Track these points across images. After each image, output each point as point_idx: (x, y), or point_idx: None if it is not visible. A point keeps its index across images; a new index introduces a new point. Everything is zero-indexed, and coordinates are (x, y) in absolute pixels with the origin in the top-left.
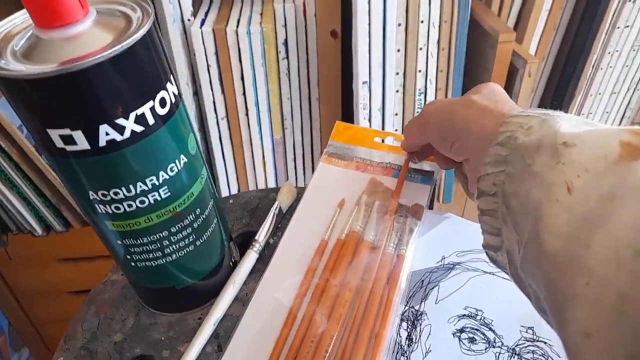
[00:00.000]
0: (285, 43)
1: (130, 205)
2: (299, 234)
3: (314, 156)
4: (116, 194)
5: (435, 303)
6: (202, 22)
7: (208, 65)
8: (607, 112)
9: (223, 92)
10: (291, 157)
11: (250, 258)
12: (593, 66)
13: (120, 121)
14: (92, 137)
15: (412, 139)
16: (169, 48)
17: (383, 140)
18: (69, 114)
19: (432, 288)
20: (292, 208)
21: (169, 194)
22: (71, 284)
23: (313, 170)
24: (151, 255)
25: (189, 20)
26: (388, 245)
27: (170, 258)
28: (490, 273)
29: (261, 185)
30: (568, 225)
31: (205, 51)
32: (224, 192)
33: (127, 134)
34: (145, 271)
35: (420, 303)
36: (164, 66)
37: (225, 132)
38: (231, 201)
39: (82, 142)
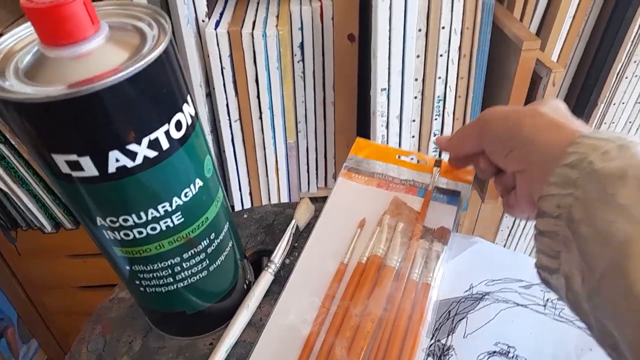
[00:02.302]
0: (301, 46)
1: (140, 232)
2: (317, 255)
3: (327, 161)
4: (126, 220)
5: (464, 337)
6: (217, 24)
7: (222, 67)
8: (630, 122)
9: (237, 94)
10: (304, 161)
11: (265, 280)
12: (617, 75)
13: (132, 147)
14: (101, 163)
15: (465, 142)
16: (182, 49)
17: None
18: (77, 140)
19: (460, 320)
20: (309, 225)
21: (182, 219)
22: (80, 278)
23: (326, 176)
24: (162, 282)
25: (203, 21)
26: (413, 272)
27: (181, 284)
28: (522, 305)
29: (273, 190)
30: None
31: (219, 53)
32: (236, 196)
33: (139, 159)
34: (154, 296)
35: (448, 336)
36: (181, 86)
37: (238, 135)
38: (245, 216)
39: (89, 169)
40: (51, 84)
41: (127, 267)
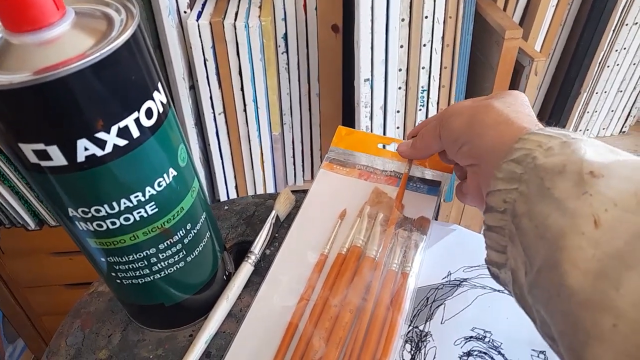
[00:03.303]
0: (285, 37)
1: (113, 223)
2: (298, 247)
3: (313, 153)
4: (98, 211)
5: (441, 323)
6: (199, 15)
7: (205, 60)
8: (612, 111)
9: (220, 87)
10: (290, 154)
11: (245, 271)
12: (599, 64)
13: (101, 135)
14: (70, 152)
15: (429, 144)
16: (164, 41)
17: (384, 147)
18: (43, 128)
19: (438, 306)
20: (290, 216)
21: (156, 210)
22: (66, 276)
23: (312, 168)
24: (138, 273)
25: (185, 12)
26: (392, 262)
27: (158, 275)
28: (499, 291)
29: (259, 183)
30: (595, 262)
31: (202, 45)
32: (222, 190)
33: (108, 148)
34: (131, 288)
35: (425, 323)
36: (151, 73)
37: (222, 128)
38: (226, 207)
39: (58, 158)
40: (16, 71)
41: (102, 259)
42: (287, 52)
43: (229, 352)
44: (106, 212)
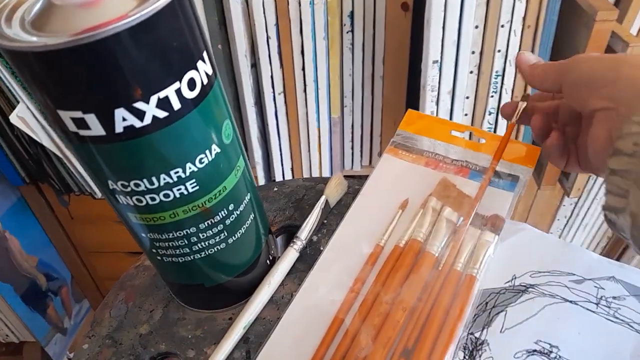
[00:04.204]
0: (351, 15)
1: (153, 199)
2: (352, 235)
3: (373, 139)
4: (137, 185)
5: (501, 332)
6: None
7: (268, 37)
8: None
9: (282, 65)
10: (349, 138)
11: (290, 257)
12: None
13: (140, 105)
14: (107, 122)
15: (548, 75)
16: (229, 18)
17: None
18: (80, 95)
19: (498, 313)
20: (341, 202)
21: (197, 187)
22: (128, 244)
23: (371, 154)
24: (178, 252)
25: None
26: (457, 261)
27: (198, 255)
28: (571, 302)
29: (315, 166)
30: None
31: (265, 22)
32: (277, 170)
33: (147, 119)
34: (171, 266)
35: (482, 330)
36: (197, 40)
37: (281, 108)
38: (275, 189)
39: (96, 127)
40: (56, 33)
41: (144, 235)
42: (352, 31)
43: (269, 340)
44: (145, 187)
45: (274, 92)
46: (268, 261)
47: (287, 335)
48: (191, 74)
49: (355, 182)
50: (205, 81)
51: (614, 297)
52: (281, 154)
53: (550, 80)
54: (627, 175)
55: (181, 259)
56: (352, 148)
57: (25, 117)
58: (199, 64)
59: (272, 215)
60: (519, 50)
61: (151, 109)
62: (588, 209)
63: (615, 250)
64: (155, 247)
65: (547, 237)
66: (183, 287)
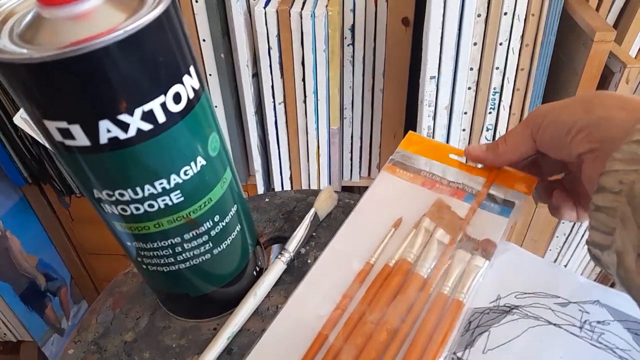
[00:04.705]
0: (352, 29)
1: (137, 209)
2: (344, 251)
3: (372, 150)
4: (122, 195)
5: (483, 352)
6: (267, 2)
7: (269, 48)
8: None
9: (282, 76)
10: (348, 149)
11: (277, 268)
12: None
13: (124, 117)
14: (92, 133)
15: (519, 145)
16: (231, 27)
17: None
18: (66, 106)
19: (481, 333)
20: (331, 215)
21: (182, 199)
22: None
23: (370, 165)
24: (163, 261)
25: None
26: (444, 284)
27: (183, 265)
28: (555, 325)
29: (314, 176)
30: None
31: (267, 33)
32: (277, 179)
33: (132, 131)
34: (157, 275)
35: (465, 350)
36: (184, 55)
37: (281, 117)
38: (267, 200)
39: (80, 138)
40: (44, 46)
41: (129, 243)
42: (353, 44)
43: (252, 352)
44: (130, 197)
45: (274, 101)
46: (255, 272)
47: (271, 348)
48: (177, 88)
49: (346, 196)
50: (192, 95)
51: (598, 322)
52: (280, 163)
53: (521, 147)
54: (612, 213)
55: (166, 269)
56: (351, 159)
57: (29, 118)
58: (185, 78)
59: (262, 225)
60: (517, 68)
61: (135, 122)
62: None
63: None
64: (141, 256)
65: (534, 258)
66: (169, 295)
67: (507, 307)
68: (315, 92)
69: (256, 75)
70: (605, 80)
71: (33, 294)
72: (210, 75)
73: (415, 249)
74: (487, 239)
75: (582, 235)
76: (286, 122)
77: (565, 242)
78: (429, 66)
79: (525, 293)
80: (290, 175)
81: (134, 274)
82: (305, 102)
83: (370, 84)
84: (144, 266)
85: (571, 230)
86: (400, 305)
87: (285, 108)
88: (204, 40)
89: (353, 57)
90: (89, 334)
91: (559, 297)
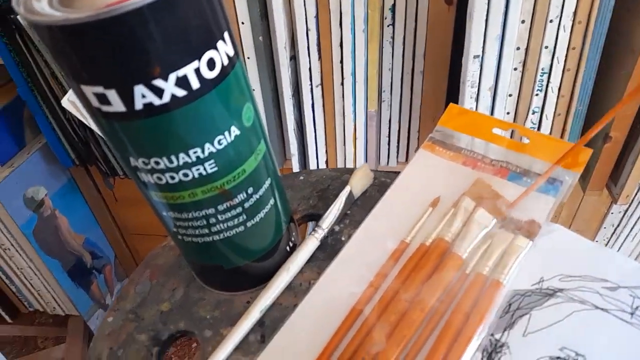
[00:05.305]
0: (393, 9)
1: (172, 177)
2: (378, 229)
3: (410, 134)
4: (157, 163)
5: (523, 335)
6: None
7: (307, 29)
8: None
9: (320, 58)
10: (385, 133)
11: (310, 245)
12: None
13: (158, 82)
14: (127, 98)
15: None
16: (270, 9)
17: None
18: (101, 70)
19: (522, 316)
20: (366, 194)
21: (216, 169)
22: None
23: (408, 150)
24: (197, 232)
25: None
26: (483, 265)
27: (217, 237)
28: (603, 309)
29: (350, 160)
30: None
31: (305, 14)
32: (312, 163)
33: (166, 97)
34: (191, 246)
35: (503, 332)
36: (218, 20)
37: (318, 100)
38: (302, 177)
39: (117, 103)
40: (82, 8)
41: (164, 213)
42: (393, 24)
43: (284, 326)
44: (165, 165)
45: (311, 84)
46: (288, 248)
47: (303, 323)
48: (211, 53)
49: (382, 174)
50: (226, 62)
51: None
52: (316, 147)
53: None
54: None
55: (200, 239)
56: (389, 143)
57: (76, 101)
58: (219, 44)
59: (296, 203)
60: (568, 47)
61: (170, 87)
62: (638, 217)
63: None
64: (176, 227)
65: (581, 240)
66: (203, 267)
67: (551, 290)
68: (353, 74)
69: (294, 58)
70: None
71: (80, 271)
72: (248, 58)
73: (453, 228)
74: (531, 220)
75: (632, 227)
76: (323, 104)
77: (613, 233)
78: (473, 45)
79: (571, 276)
80: (327, 159)
81: (171, 247)
82: (342, 84)
83: (410, 66)
84: (180, 237)
85: (620, 222)
86: (436, 285)
87: (322, 90)
88: (242, 23)
89: (393, 38)
90: (127, 303)
91: (607, 280)
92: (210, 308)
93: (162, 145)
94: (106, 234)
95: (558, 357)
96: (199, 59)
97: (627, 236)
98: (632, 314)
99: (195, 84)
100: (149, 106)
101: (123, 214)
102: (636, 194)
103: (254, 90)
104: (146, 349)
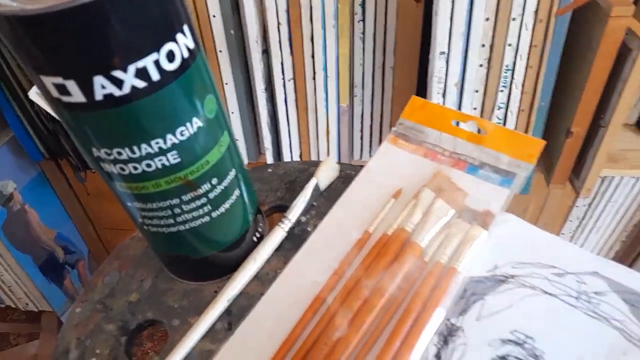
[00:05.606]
0: (363, 4)
1: (135, 168)
2: (343, 220)
3: (382, 128)
4: (119, 153)
5: (477, 320)
6: None
7: (278, 23)
8: None
9: (292, 52)
10: (358, 127)
11: (277, 235)
12: None
13: (118, 74)
14: (87, 89)
15: None
16: (242, 3)
17: (458, 124)
18: (59, 61)
19: (476, 301)
20: (332, 187)
21: (178, 159)
22: None
23: (380, 143)
24: (162, 222)
25: None
26: (441, 253)
27: (183, 227)
28: (551, 294)
29: (323, 154)
30: None
31: (276, 8)
32: (286, 156)
33: (126, 89)
34: (158, 237)
35: (458, 316)
36: (177, 12)
37: (291, 94)
38: (270, 170)
39: (76, 94)
40: (40, 0)
41: (129, 204)
42: (363, 20)
43: (251, 314)
44: (127, 156)
45: (284, 78)
46: (255, 238)
47: (269, 311)
48: (170, 46)
49: (348, 167)
50: (186, 54)
51: (596, 293)
52: (290, 141)
53: None
54: None
55: (166, 230)
56: (362, 138)
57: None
58: (179, 36)
59: (264, 194)
60: (530, 44)
61: (129, 79)
62: (602, 211)
63: (629, 255)
64: (142, 217)
65: (533, 229)
66: (171, 258)
67: (504, 276)
68: (325, 69)
69: (266, 52)
70: (622, 58)
71: (52, 266)
72: (220, 51)
73: (413, 219)
74: (487, 210)
75: (597, 220)
76: (295, 99)
77: (578, 226)
78: (439, 42)
79: (522, 263)
80: (300, 153)
81: (140, 239)
82: (314, 78)
83: (381, 61)
84: (146, 227)
85: (585, 215)
86: (396, 272)
87: (294, 85)
88: (214, 16)
89: (364, 33)
90: (96, 294)
91: (556, 267)
92: (178, 298)
93: (123, 136)
94: (79, 229)
95: (509, 340)
96: (158, 51)
97: (591, 229)
98: (577, 298)
99: (155, 75)
100: (109, 97)
101: (96, 208)
102: (599, 189)
103: (226, 84)
104: (114, 339)
